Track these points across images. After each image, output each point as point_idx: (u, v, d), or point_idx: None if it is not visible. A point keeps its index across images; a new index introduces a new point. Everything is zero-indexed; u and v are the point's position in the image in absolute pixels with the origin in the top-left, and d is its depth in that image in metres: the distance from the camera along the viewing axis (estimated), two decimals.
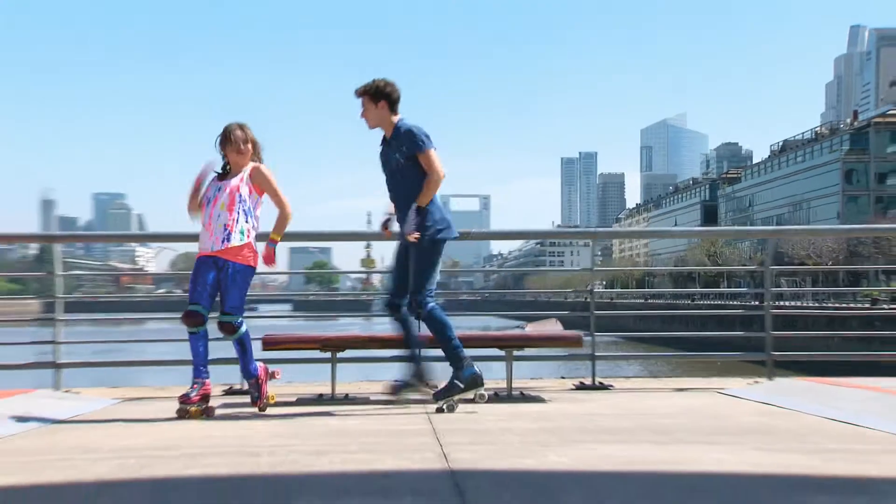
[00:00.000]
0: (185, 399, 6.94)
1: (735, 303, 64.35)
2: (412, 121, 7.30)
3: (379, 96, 7.29)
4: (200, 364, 7.12)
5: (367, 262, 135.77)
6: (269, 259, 7.33)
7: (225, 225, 7.08)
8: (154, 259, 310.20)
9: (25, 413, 7.17)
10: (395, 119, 7.31)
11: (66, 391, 8.98)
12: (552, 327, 9.68)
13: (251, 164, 7.28)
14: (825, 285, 74.93)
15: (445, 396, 7.17)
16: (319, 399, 7.65)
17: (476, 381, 7.31)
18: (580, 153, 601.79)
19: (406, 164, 7.19)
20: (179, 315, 7.21)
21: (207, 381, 7.20)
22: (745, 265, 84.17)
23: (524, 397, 8.25)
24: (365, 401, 7.78)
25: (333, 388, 8.13)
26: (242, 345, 7.20)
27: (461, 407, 7.40)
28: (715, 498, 4.23)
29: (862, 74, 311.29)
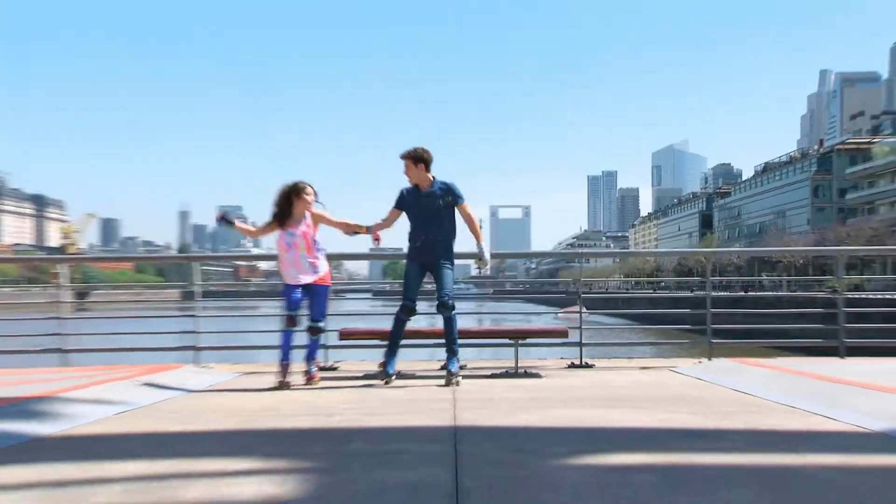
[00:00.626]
0: (281, 375, 7.61)
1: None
2: (441, 177, 7.97)
3: (419, 160, 7.88)
4: (287, 350, 7.71)
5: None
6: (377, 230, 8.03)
7: (311, 263, 7.75)
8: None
9: (178, 383, 7.81)
10: (431, 176, 7.91)
11: (204, 366, 9.52)
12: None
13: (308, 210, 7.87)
14: (797, 281, 73.92)
15: (455, 376, 7.70)
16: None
17: (458, 370, 7.93)
18: (603, 171, 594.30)
19: (445, 208, 7.85)
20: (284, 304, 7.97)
21: (291, 363, 7.74)
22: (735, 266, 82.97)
23: (526, 374, 8.52)
24: (412, 376, 8.18)
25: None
26: (317, 342, 7.91)
27: (478, 381, 7.93)
28: (610, 442, 4.72)
29: (829, 109, 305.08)
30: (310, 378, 7.83)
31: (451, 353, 7.93)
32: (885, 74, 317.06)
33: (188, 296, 11.19)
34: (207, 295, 11.46)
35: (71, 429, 5.27)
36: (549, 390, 7.30)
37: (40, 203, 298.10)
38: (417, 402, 6.53)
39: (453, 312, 7.95)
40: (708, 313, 9.96)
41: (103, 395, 6.69)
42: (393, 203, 8.07)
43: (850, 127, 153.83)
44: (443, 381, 7.69)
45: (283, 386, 7.56)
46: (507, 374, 8.54)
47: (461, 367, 8.17)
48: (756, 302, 46.97)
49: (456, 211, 8.03)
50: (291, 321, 7.86)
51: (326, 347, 9.47)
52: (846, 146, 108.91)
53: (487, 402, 6.46)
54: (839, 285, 10.44)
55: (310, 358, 7.94)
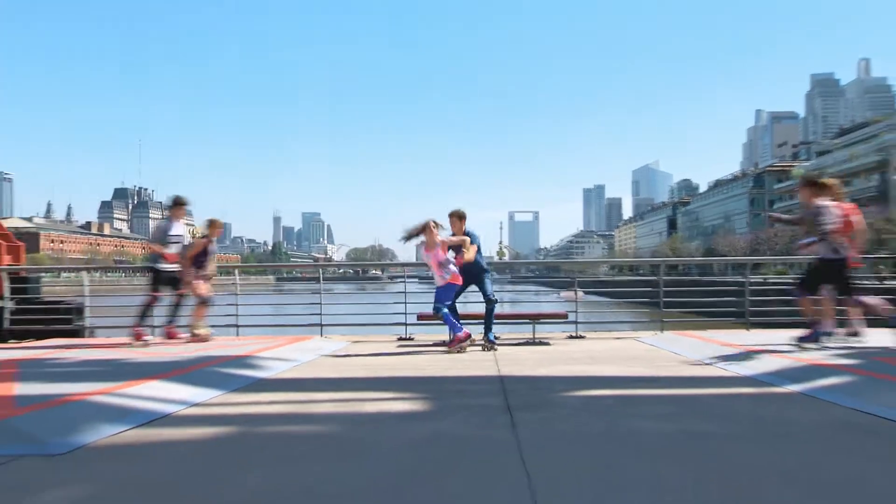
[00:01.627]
0: (450, 343, 8.52)
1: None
2: (470, 228, 9.05)
3: (461, 218, 9.00)
4: (453, 324, 8.46)
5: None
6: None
7: (440, 275, 8.60)
8: (337, 251, 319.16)
9: (318, 348, 8.78)
10: (465, 227, 9.01)
11: (327, 337, 10.37)
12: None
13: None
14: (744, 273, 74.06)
15: (492, 344, 8.75)
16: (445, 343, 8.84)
17: (495, 340, 8.96)
18: (594, 185, 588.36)
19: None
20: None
21: (462, 332, 8.42)
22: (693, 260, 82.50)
23: (540, 343, 9.37)
24: (470, 345, 8.71)
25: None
26: (444, 319, 8.57)
27: (509, 348, 8.77)
28: (590, 383, 5.76)
29: (762, 139, 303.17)
30: (449, 345, 8.58)
31: (488, 329, 8.97)
32: (802, 114, 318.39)
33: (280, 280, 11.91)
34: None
35: (273, 375, 6.48)
36: (554, 353, 8.12)
37: None
38: (475, 360, 7.45)
39: (494, 304, 9.04)
40: (661, 302, 10.83)
41: (278, 355, 7.76)
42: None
43: (778, 153, 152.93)
44: (481, 348, 8.69)
45: (462, 350, 8.32)
46: (527, 343, 9.42)
47: (496, 338, 9.13)
48: (702, 291, 47.23)
49: (479, 244, 9.08)
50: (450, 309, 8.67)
51: (406, 325, 10.31)
52: (774, 168, 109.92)
53: (516, 360, 7.40)
54: (746, 280, 11.16)
55: (455, 331, 8.52)
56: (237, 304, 11.24)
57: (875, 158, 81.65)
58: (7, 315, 10.62)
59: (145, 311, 9.15)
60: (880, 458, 3.34)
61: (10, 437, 3.67)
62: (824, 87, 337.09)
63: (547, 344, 9.37)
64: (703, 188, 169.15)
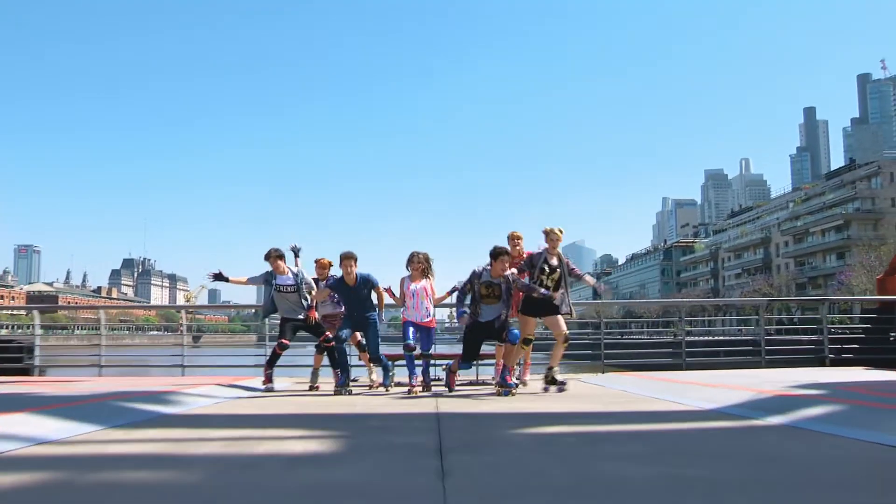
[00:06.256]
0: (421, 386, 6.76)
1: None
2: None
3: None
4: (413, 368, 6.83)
5: None
6: None
7: (427, 308, 6.82)
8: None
9: (251, 385, 7.22)
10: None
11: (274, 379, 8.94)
12: None
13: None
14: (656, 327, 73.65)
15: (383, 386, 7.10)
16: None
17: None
18: None
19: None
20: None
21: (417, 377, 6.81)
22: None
23: (482, 383, 8.12)
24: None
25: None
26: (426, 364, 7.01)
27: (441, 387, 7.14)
28: (539, 420, 4.53)
29: (669, 221, 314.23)
30: (424, 387, 6.82)
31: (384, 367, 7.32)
32: (699, 201, 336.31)
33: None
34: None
35: (184, 411, 5.08)
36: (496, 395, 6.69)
37: (173, 279, 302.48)
38: (414, 400, 6.18)
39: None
40: (602, 353, 9.98)
41: (208, 392, 6.40)
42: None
43: (682, 232, 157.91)
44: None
45: (414, 394, 6.47)
46: (470, 384, 8.08)
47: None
48: (634, 343, 46.68)
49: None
50: (410, 349, 6.79)
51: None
52: (679, 244, 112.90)
53: (454, 399, 6.17)
54: (679, 329, 10.31)
55: (413, 374, 6.83)
56: (183, 355, 9.56)
57: (760, 236, 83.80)
58: None
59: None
60: None
61: None
62: (715, 179, 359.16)
63: (489, 384, 7.97)
64: (621, 261, 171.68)
